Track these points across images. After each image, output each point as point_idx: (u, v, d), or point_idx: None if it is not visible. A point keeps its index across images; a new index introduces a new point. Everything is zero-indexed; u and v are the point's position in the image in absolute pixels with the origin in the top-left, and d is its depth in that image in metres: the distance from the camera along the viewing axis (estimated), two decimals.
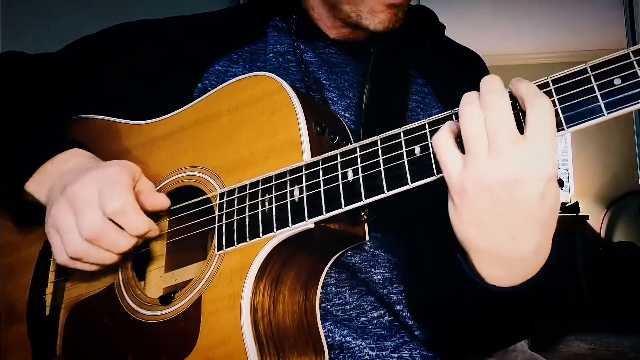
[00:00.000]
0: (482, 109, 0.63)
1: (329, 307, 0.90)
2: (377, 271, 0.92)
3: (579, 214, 6.57)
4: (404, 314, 0.92)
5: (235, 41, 1.09)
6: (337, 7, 1.02)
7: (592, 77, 0.64)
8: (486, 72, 1.14)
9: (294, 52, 1.06)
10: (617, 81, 0.63)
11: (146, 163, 0.93)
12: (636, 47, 0.64)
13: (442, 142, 0.65)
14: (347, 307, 0.91)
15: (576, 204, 6.76)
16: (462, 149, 0.65)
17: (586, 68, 0.65)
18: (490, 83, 0.65)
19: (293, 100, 0.83)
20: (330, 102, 1.00)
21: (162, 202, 0.84)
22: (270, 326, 0.77)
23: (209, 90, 0.97)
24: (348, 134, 0.90)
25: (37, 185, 0.86)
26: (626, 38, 3.22)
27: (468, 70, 1.14)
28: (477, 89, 1.05)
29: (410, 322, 0.92)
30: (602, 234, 6.86)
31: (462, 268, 0.74)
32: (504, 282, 0.72)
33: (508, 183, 0.62)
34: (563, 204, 6.46)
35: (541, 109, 0.62)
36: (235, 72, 1.04)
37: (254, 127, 0.85)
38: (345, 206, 0.74)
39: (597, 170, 6.93)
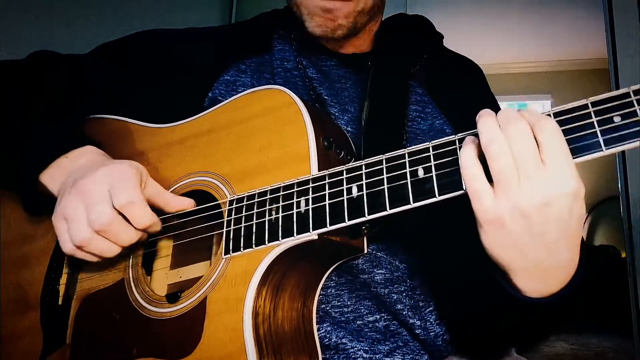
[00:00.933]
0: (508, 140, 0.65)
1: (327, 308, 0.91)
2: (379, 271, 0.94)
3: None
4: (404, 312, 0.94)
5: (242, 53, 1.11)
6: (294, 12, 1.06)
7: (592, 113, 0.67)
8: (484, 80, 1.18)
9: (297, 68, 1.08)
10: (616, 118, 0.65)
11: (160, 165, 0.96)
12: (636, 86, 0.66)
13: (476, 177, 0.67)
14: (345, 309, 0.92)
15: None
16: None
17: (587, 104, 0.67)
18: (509, 114, 0.67)
19: (304, 114, 0.85)
20: (332, 117, 1.02)
21: (182, 203, 0.89)
22: (270, 330, 0.78)
23: (219, 99, 1.00)
24: (352, 149, 0.93)
25: (51, 178, 0.89)
26: (607, 48, 3.24)
27: (467, 79, 1.17)
28: (477, 97, 1.11)
29: (411, 321, 0.94)
30: (584, 238, 6.93)
31: (501, 285, 0.75)
32: (542, 293, 0.74)
33: (542, 206, 0.64)
34: None
35: (549, 130, 0.65)
36: (244, 82, 1.07)
37: (265, 138, 0.87)
38: (348, 220, 0.76)
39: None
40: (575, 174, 0.64)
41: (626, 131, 0.64)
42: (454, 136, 0.73)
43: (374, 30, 1.16)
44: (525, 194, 0.64)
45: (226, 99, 0.95)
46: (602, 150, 0.66)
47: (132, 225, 0.83)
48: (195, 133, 0.95)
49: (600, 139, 0.66)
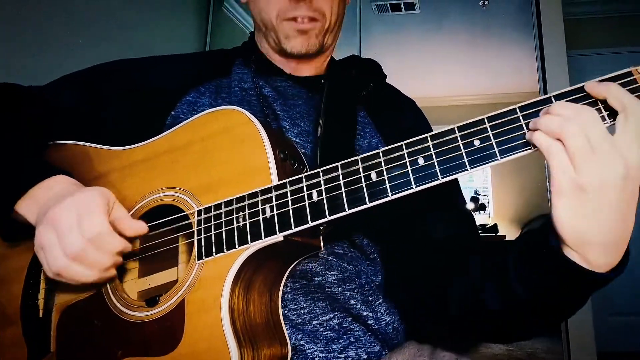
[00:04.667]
0: (579, 122, 0.67)
1: (285, 312, 0.95)
2: (331, 273, 0.99)
3: (497, 234, 6.73)
4: (357, 306, 0.99)
5: (203, 77, 1.15)
6: (268, 37, 1.14)
7: (488, 128, 0.75)
8: (420, 113, 1.27)
9: (254, 88, 1.13)
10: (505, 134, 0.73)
11: (124, 185, 0.97)
12: (521, 103, 0.74)
13: (561, 150, 0.68)
14: (302, 311, 0.96)
15: (495, 225, 6.95)
16: None
17: (483, 119, 0.76)
18: (572, 105, 0.70)
19: (260, 130, 0.88)
20: (284, 130, 1.07)
21: (140, 228, 0.89)
22: (245, 324, 0.82)
23: (182, 117, 1.04)
24: (303, 159, 0.96)
25: (27, 208, 0.89)
26: (538, 83, 3.35)
27: (404, 111, 1.25)
28: (414, 123, 1.21)
29: (364, 314, 0.99)
30: None
31: (567, 264, 0.73)
32: (607, 267, 0.73)
33: (620, 177, 0.66)
34: (483, 226, 6.61)
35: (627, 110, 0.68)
36: (203, 102, 1.10)
37: (226, 153, 0.90)
38: (311, 222, 0.80)
39: (513, 196, 7.14)
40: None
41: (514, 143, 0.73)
42: (401, 142, 0.79)
43: (330, 53, 1.24)
44: (606, 166, 0.66)
45: (187, 118, 0.98)
46: (531, 149, 0.72)
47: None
48: (156, 153, 0.97)
49: (496, 150, 0.74)
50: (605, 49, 4.49)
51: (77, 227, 0.81)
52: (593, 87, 0.71)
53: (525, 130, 0.72)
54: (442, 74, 6.13)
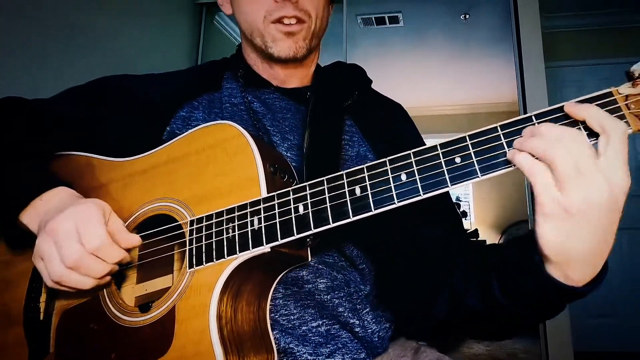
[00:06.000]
0: (566, 144, 0.66)
1: (276, 317, 0.96)
2: (321, 281, 0.99)
3: (478, 239, 6.78)
4: (345, 314, 0.99)
5: (195, 92, 1.16)
6: (253, 42, 1.13)
7: (470, 145, 0.75)
8: (407, 117, 1.26)
9: (244, 102, 1.13)
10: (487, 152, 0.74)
11: (124, 194, 0.99)
12: (502, 122, 0.74)
13: (543, 171, 0.68)
14: (292, 317, 0.97)
15: (476, 230, 7.03)
16: None
17: (465, 137, 0.75)
18: (557, 128, 0.69)
19: (251, 144, 0.90)
20: (274, 144, 1.08)
21: (134, 241, 0.90)
22: (232, 331, 0.83)
23: (177, 132, 1.05)
24: (293, 173, 0.98)
25: (30, 218, 0.90)
26: (517, 93, 3.38)
27: (391, 115, 1.24)
28: (402, 129, 1.20)
29: (352, 321, 1.00)
30: None
31: (549, 280, 0.74)
32: (583, 282, 0.73)
33: (605, 198, 0.66)
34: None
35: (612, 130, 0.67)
36: (197, 117, 1.11)
37: (219, 166, 0.92)
38: (297, 234, 0.81)
39: (493, 203, 7.20)
40: (627, 169, 0.67)
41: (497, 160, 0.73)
42: (385, 159, 0.79)
43: (314, 62, 1.24)
44: (591, 189, 0.66)
45: (182, 132, 0.99)
46: (511, 167, 0.72)
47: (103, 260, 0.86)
48: (154, 164, 0.99)
49: (477, 167, 0.74)
50: (581, 61, 4.58)
51: (75, 238, 0.82)
52: (572, 108, 0.71)
53: (506, 149, 0.72)
54: (424, 85, 6.19)
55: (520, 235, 0.84)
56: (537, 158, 0.69)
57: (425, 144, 1.08)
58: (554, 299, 0.77)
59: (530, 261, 0.75)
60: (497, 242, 7.23)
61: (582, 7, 4.43)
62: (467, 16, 4.33)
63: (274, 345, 0.90)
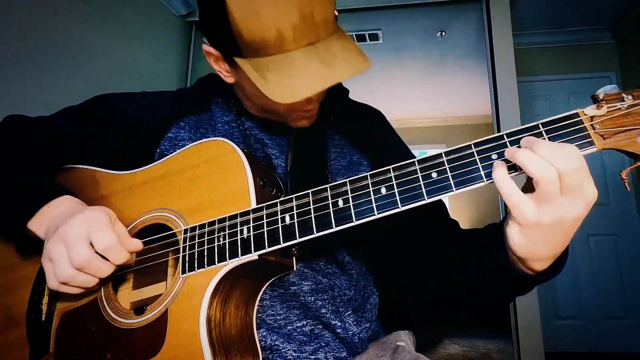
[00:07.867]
0: (549, 160, 0.67)
1: (263, 317, 0.99)
2: (306, 283, 1.02)
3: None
4: (327, 315, 1.02)
5: (182, 112, 1.17)
6: (267, 115, 1.10)
7: (445, 162, 0.77)
8: (385, 121, 1.29)
9: (236, 122, 1.14)
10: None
11: (124, 204, 1.02)
12: (477, 140, 0.76)
13: (514, 191, 0.70)
14: (278, 317, 1.00)
15: None
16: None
17: (441, 154, 0.78)
18: (558, 147, 0.69)
19: (243, 160, 0.93)
20: (273, 157, 1.10)
21: (137, 245, 0.93)
22: (221, 334, 0.85)
23: (165, 153, 1.07)
24: (281, 187, 1.01)
25: (37, 225, 0.94)
26: (491, 106, 3.42)
27: (372, 122, 1.27)
28: (384, 134, 1.23)
29: (333, 322, 1.02)
30: None
31: (512, 271, 0.80)
32: (541, 270, 0.79)
33: (579, 215, 0.69)
34: None
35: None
36: (183, 136, 1.13)
37: (212, 179, 0.95)
38: (283, 243, 0.84)
39: (469, 212, 7.23)
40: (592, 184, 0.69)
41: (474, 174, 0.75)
42: (367, 173, 0.82)
43: None
44: (568, 207, 0.68)
45: (170, 153, 1.03)
46: (483, 181, 0.74)
47: (109, 261, 0.89)
48: (153, 177, 1.02)
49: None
50: (551, 76, 4.67)
51: (85, 241, 0.85)
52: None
53: (479, 165, 0.74)
54: (402, 98, 6.20)
55: (497, 223, 0.88)
56: (520, 168, 0.71)
57: (404, 146, 1.14)
58: (521, 283, 0.83)
59: (498, 256, 0.81)
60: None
61: (551, 25, 4.52)
62: (444, 33, 4.38)
63: (260, 349, 0.93)
